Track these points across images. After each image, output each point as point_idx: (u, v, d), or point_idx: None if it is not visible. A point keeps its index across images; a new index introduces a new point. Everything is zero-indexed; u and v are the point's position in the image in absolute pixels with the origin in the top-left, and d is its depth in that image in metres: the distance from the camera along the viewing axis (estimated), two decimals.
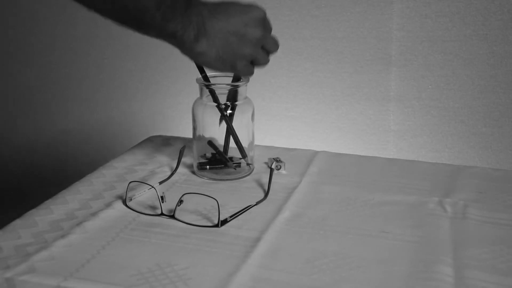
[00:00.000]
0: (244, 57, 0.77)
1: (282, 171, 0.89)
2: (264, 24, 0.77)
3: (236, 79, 0.84)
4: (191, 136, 0.90)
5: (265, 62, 0.80)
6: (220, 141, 0.87)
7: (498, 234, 0.70)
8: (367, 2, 1.31)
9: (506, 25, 1.24)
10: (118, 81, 1.57)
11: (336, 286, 0.59)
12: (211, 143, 0.86)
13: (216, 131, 0.86)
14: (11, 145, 1.77)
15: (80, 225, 0.70)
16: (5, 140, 1.76)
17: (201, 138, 0.86)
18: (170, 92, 1.53)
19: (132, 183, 0.78)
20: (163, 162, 0.92)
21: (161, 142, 1.01)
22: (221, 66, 0.76)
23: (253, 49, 0.77)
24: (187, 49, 0.74)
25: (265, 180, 0.85)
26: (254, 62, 0.79)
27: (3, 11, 1.65)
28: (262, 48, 0.78)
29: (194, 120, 0.86)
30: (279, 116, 1.44)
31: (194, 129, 0.86)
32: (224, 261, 0.63)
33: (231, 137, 0.87)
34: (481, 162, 1.33)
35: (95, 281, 0.59)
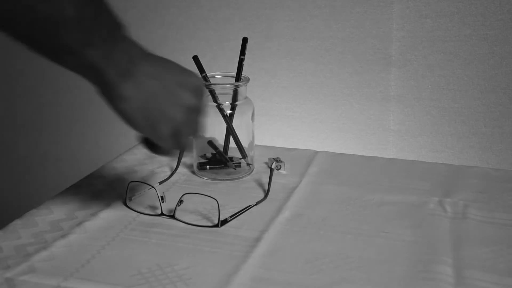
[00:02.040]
0: (170, 121, 0.63)
1: (282, 171, 0.89)
2: (200, 95, 0.65)
3: (148, 147, 0.70)
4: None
5: (186, 143, 0.67)
6: (220, 141, 0.87)
7: (498, 234, 0.70)
8: (367, 2, 1.31)
9: (506, 25, 1.24)
10: None
11: (336, 286, 0.59)
12: (211, 143, 0.86)
13: (216, 131, 0.86)
14: (11, 145, 1.76)
15: (80, 225, 0.70)
16: (5, 140, 1.76)
17: (201, 138, 0.86)
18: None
19: (132, 183, 0.78)
20: (163, 162, 0.92)
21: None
22: (141, 122, 0.62)
23: (181, 116, 0.63)
24: (108, 88, 0.61)
25: (265, 180, 0.85)
26: (178, 137, 0.65)
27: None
28: (189, 124, 0.65)
29: None
30: (279, 116, 1.44)
31: None
32: (224, 261, 0.63)
33: (231, 137, 0.87)
34: (481, 162, 1.33)
35: (95, 281, 0.59)
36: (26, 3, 0.54)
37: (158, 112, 0.62)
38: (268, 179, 0.83)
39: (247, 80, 0.85)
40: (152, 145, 0.68)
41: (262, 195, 0.80)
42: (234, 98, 0.85)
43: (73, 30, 0.57)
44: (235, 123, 0.86)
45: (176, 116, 0.63)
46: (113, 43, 0.60)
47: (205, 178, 0.86)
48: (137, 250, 0.66)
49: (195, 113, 0.65)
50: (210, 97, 0.85)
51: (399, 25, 1.30)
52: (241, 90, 0.85)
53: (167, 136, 0.64)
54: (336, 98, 1.40)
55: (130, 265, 0.62)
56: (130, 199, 0.77)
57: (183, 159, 0.90)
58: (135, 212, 0.75)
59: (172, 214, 0.73)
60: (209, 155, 0.88)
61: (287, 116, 1.44)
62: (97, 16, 0.59)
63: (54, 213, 0.74)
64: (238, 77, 0.86)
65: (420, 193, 0.81)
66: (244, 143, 0.87)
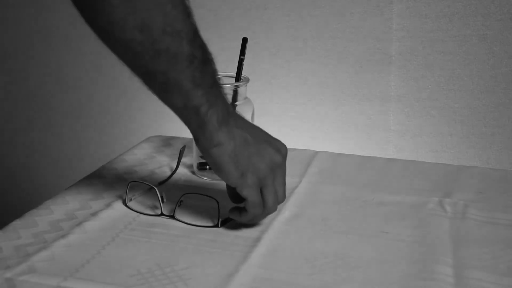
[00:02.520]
0: (257, 171, 0.66)
1: None
2: (284, 157, 0.69)
3: (235, 212, 0.70)
4: (191, 136, 0.89)
5: (272, 202, 0.67)
6: None
7: (498, 234, 0.70)
8: (367, 2, 1.31)
9: (506, 25, 1.24)
10: (118, 81, 1.57)
11: (336, 286, 0.59)
12: None
13: None
14: (11, 145, 1.77)
15: (80, 225, 0.70)
16: (5, 140, 1.76)
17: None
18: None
19: (132, 183, 0.78)
20: (163, 162, 0.92)
21: (161, 142, 1.01)
22: (231, 168, 0.65)
23: (267, 170, 0.66)
24: (204, 134, 0.64)
25: None
26: (263, 192, 0.67)
27: (3, 10, 1.65)
28: (272, 177, 0.67)
29: None
30: (279, 116, 1.44)
31: None
32: (224, 261, 0.63)
33: None
34: (481, 162, 1.33)
35: (95, 281, 0.59)
36: (150, 36, 0.58)
37: (246, 161, 0.65)
38: None
39: (247, 80, 0.85)
40: (236, 210, 0.70)
41: None
42: (234, 98, 0.85)
43: (187, 67, 0.60)
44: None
45: (263, 167, 0.66)
46: (217, 90, 0.64)
47: (205, 178, 0.86)
48: (137, 250, 0.66)
49: (280, 170, 0.68)
50: None
51: (399, 25, 1.31)
52: (241, 90, 0.85)
53: (253, 186, 0.66)
54: (336, 98, 1.40)
55: (130, 265, 0.62)
56: (130, 199, 0.77)
57: (183, 159, 0.90)
58: (135, 212, 0.75)
59: (172, 214, 0.73)
60: None
61: (287, 116, 1.44)
62: (205, 60, 0.62)
63: (54, 213, 0.74)
64: (238, 77, 0.86)
65: (420, 193, 0.81)
66: None
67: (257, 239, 0.68)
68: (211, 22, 1.40)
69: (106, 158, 0.99)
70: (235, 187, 0.66)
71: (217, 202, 0.72)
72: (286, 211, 0.75)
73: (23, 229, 0.70)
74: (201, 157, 0.87)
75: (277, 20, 1.35)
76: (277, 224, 0.71)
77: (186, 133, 1.06)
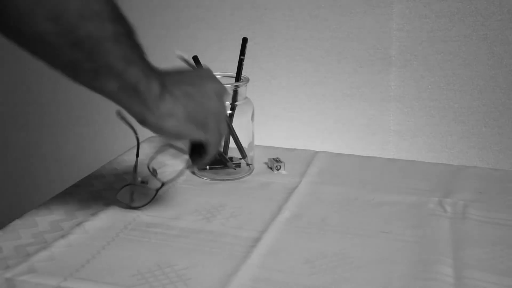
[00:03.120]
0: (214, 112, 0.64)
1: (282, 171, 0.88)
2: (216, 80, 0.68)
3: (197, 157, 0.69)
4: None
5: (225, 129, 0.68)
6: None
7: (498, 234, 0.70)
8: (367, 2, 1.31)
9: (506, 25, 1.24)
10: None
11: (336, 286, 0.59)
12: None
13: None
14: (10, 145, 1.76)
15: (80, 225, 0.70)
16: (4, 140, 1.76)
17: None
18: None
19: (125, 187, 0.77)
20: (163, 162, 0.92)
21: (161, 142, 1.01)
22: (192, 129, 0.63)
23: (219, 103, 0.65)
24: (148, 111, 0.59)
25: (266, 180, 0.85)
26: (220, 126, 0.66)
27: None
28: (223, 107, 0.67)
29: None
30: (279, 116, 1.44)
31: None
32: (224, 261, 0.63)
33: (231, 137, 0.87)
34: (481, 162, 1.33)
35: (95, 281, 0.59)
36: (67, 24, 0.52)
37: (201, 111, 0.63)
38: (270, 179, 0.83)
39: (247, 80, 0.85)
40: (197, 155, 0.69)
41: (262, 195, 0.80)
42: (234, 98, 0.85)
43: (115, 47, 0.55)
44: (235, 123, 0.86)
45: (215, 105, 0.65)
46: (147, 59, 0.59)
47: (205, 178, 0.86)
48: (137, 250, 0.66)
49: (222, 97, 0.67)
50: None
51: (399, 25, 1.31)
52: (241, 90, 0.85)
53: (215, 127, 0.65)
54: (336, 98, 1.40)
55: (130, 265, 0.62)
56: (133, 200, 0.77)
57: (184, 159, 0.90)
58: (133, 209, 0.75)
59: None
60: None
61: (287, 116, 1.44)
62: (129, 32, 0.58)
63: (54, 213, 0.74)
64: (238, 77, 0.86)
65: (420, 193, 0.81)
66: (244, 143, 0.87)
67: (257, 239, 0.68)
68: (211, 22, 1.40)
69: (106, 158, 0.99)
70: (199, 140, 0.65)
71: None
72: (286, 211, 0.75)
73: (23, 229, 0.70)
74: None
75: (277, 20, 1.35)
76: (277, 224, 0.72)
77: None
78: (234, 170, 0.87)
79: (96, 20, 0.53)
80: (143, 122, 0.60)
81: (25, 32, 0.52)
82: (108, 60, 0.55)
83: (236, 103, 0.85)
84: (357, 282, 0.60)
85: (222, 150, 0.85)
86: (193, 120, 0.62)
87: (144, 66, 0.58)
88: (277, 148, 0.99)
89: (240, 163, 0.87)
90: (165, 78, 0.61)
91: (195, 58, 0.85)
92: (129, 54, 0.57)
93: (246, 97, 0.87)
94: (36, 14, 0.50)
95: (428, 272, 0.61)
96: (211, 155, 0.68)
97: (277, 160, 0.89)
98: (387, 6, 1.30)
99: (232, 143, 0.87)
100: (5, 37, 0.53)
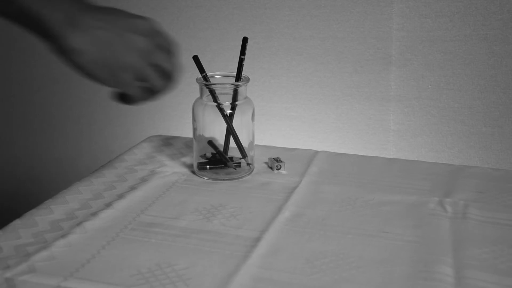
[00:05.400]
0: (128, 68, 0.62)
1: (282, 171, 0.89)
2: (155, 36, 0.64)
3: (122, 99, 0.69)
4: (191, 136, 0.90)
5: (158, 84, 0.65)
6: (220, 141, 0.87)
7: (498, 234, 0.70)
8: (367, 2, 1.31)
9: (506, 25, 1.24)
10: None
11: (336, 286, 0.59)
12: (211, 143, 0.86)
13: (216, 131, 0.87)
14: (11, 144, 1.77)
15: (80, 225, 0.70)
16: (5, 140, 1.77)
17: (201, 138, 0.86)
18: (170, 92, 1.53)
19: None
20: (163, 162, 0.92)
21: (161, 142, 1.01)
22: (103, 74, 0.60)
23: (139, 61, 0.62)
24: (57, 41, 0.57)
25: (266, 180, 0.85)
26: (145, 82, 0.65)
27: None
28: (155, 66, 0.64)
29: (194, 120, 0.86)
30: (279, 116, 1.44)
31: (194, 129, 0.86)
32: (224, 261, 0.63)
33: (231, 137, 0.87)
34: (481, 162, 1.33)
35: (95, 281, 0.59)
36: None
37: (115, 61, 0.60)
38: (270, 179, 0.83)
39: (247, 80, 0.85)
40: (123, 96, 0.67)
41: (262, 195, 0.80)
42: (234, 98, 0.85)
43: None
44: (235, 123, 0.86)
45: (132, 61, 0.61)
46: None
47: (205, 178, 0.86)
48: (137, 250, 0.66)
49: (153, 54, 0.63)
50: (210, 96, 0.85)
51: (399, 25, 1.31)
52: (241, 90, 0.85)
53: (133, 83, 0.63)
54: (336, 98, 1.40)
55: (130, 265, 0.62)
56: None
57: (184, 159, 0.90)
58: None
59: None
60: (209, 155, 0.88)
61: (287, 116, 1.44)
62: None
63: (54, 213, 0.74)
64: (238, 77, 0.86)
65: (420, 193, 0.81)
66: (244, 143, 0.87)
67: (257, 239, 0.68)
68: (211, 22, 1.40)
69: (106, 158, 0.99)
70: (114, 88, 0.63)
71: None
72: (286, 211, 0.75)
73: (23, 229, 0.70)
74: (201, 156, 0.88)
75: (277, 20, 1.35)
76: (277, 224, 0.72)
77: (186, 133, 1.06)
78: (234, 170, 0.87)
79: None
80: (54, 51, 0.58)
81: None
82: None
83: (236, 103, 0.85)
84: (357, 282, 0.60)
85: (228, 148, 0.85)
86: (107, 67, 0.60)
87: None
88: (277, 147, 0.99)
89: (240, 163, 0.87)
90: (82, 12, 0.58)
91: (195, 58, 0.85)
92: None
93: (246, 97, 0.87)
94: None
95: (428, 272, 0.61)
96: (136, 105, 0.66)
97: (277, 160, 0.89)
98: (387, 6, 1.30)
99: (232, 143, 0.87)
100: None
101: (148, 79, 0.64)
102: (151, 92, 0.66)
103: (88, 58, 0.58)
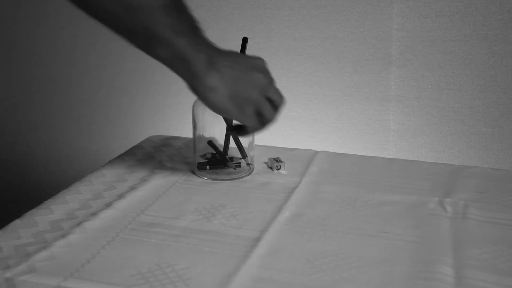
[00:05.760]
0: (252, 102, 0.71)
1: (282, 171, 0.89)
2: (268, 73, 0.74)
3: (236, 131, 0.79)
4: (191, 136, 0.90)
5: (271, 116, 0.74)
6: (220, 141, 0.87)
7: (498, 234, 0.70)
8: (367, 2, 1.31)
9: (506, 25, 1.24)
10: (118, 81, 1.57)
11: (336, 286, 0.59)
12: (211, 143, 0.86)
13: (216, 131, 0.87)
14: (11, 145, 1.77)
15: (80, 225, 0.70)
16: (5, 140, 1.77)
17: (201, 138, 0.86)
18: (170, 92, 1.53)
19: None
20: (163, 162, 0.92)
21: (161, 142, 1.01)
22: (231, 108, 0.70)
23: (259, 96, 0.72)
24: (197, 80, 0.67)
25: (266, 180, 0.85)
26: (261, 114, 0.74)
27: (4, 10, 1.65)
28: (268, 100, 0.74)
29: (194, 120, 0.86)
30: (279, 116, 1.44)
31: (194, 129, 0.86)
32: (224, 261, 0.63)
33: (231, 137, 0.87)
34: (481, 162, 1.33)
35: (95, 281, 0.59)
36: (125, 4, 0.61)
37: (242, 96, 0.70)
38: (270, 179, 0.83)
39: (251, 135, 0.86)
40: (239, 128, 0.78)
41: (262, 195, 0.80)
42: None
43: (163, 18, 0.63)
44: (235, 123, 0.86)
45: (255, 96, 0.71)
46: (198, 34, 0.67)
47: (205, 178, 0.86)
48: (137, 250, 0.66)
49: (269, 87, 0.73)
50: None
51: (399, 25, 1.31)
52: None
53: (253, 115, 0.73)
54: (336, 98, 1.40)
55: (130, 265, 0.62)
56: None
57: (183, 159, 0.90)
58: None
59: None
60: (209, 155, 0.88)
61: (287, 116, 1.44)
62: (178, 6, 0.65)
63: (54, 213, 0.74)
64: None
65: (420, 193, 0.81)
66: (244, 143, 0.87)
67: (257, 239, 0.68)
68: (211, 22, 1.40)
69: (106, 158, 0.99)
70: (236, 120, 0.74)
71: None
72: (286, 211, 0.75)
73: (23, 229, 0.70)
74: (201, 156, 0.88)
75: (277, 20, 1.35)
76: (277, 224, 0.72)
77: (186, 133, 1.06)
78: (234, 170, 0.87)
79: None
80: (192, 89, 0.69)
81: (91, 1, 0.62)
82: (158, 28, 0.63)
83: None
84: (357, 282, 0.60)
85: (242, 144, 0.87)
86: (234, 101, 0.70)
87: (193, 38, 0.66)
88: (277, 147, 0.99)
89: (240, 163, 0.87)
90: (216, 54, 0.68)
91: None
92: (176, 25, 0.64)
93: None
94: None
95: (428, 272, 0.61)
96: (247, 136, 0.79)
97: (277, 160, 0.89)
98: (387, 5, 1.30)
99: (232, 143, 0.87)
100: (74, 4, 0.62)
101: (263, 111, 0.73)
102: (262, 123, 0.75)
103: (221, 93, 0.69)
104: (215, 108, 0.71)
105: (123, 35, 0.65)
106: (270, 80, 0.74)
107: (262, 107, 0.73)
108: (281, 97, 0.75)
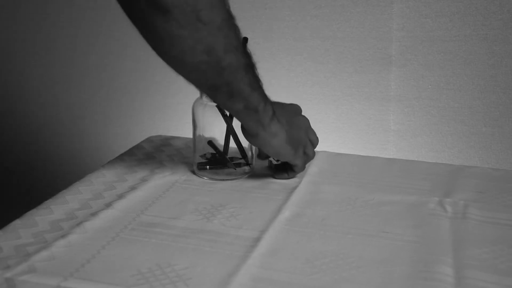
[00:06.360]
0: (302, 143, 0.82)
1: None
2: (305, 116, 0.85)
3: (280, 172, 0.86)
4: (191, 136, 0.90)
5: (312, 155, 0.85)
6: (220, 141, 0.87)
7: (498, 234, 0.70)
8: (367, 2, 1.31)
9: (506, 25, 1.24)
10: (118, 81, 1.57)
11: (336, 286, 0.59)
12: (211, 143, 0.86)
13: (216, 131, 0.87)
14: (11, 145, 1.77)
15: (80, 225, 0.70)
16: (5, 140, 1.76)
17: (201, 138, 0.86)
18: (170, 92, 1.53)
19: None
20: (163, 162, 0.92)
21: (161, 142, 1.01)
22: (289, 150, 0.79)
23: (305, 137, 0.83)
24: (263, 128, 0.76)
25: (266, 180, 0.85)
26: (306, 154, 0.84)
27: (4, 10, 1.65)
28: (309, 140, 0.84)
29: (194, 120, 0.86)
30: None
31: (194, 129, 0.86)
32: (224, 261, 0.63)
33: (231, 137, 0.87)
34: (481, 162, 1.33)
35: (95, 281, 0.59)
36: (215, 56, 0.67)
37: (295, 140, 0.80)
38: (270, 179, 0.83)
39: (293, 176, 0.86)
40: (281, 168, 0.86)
41: (262, 195, 0.80)
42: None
43: (245, 75, 0.71)
44: (235, 123, 0.86)
45: (304, 137, 0.83)
46: (263, 89, 0.75)
47: (205, 178, 0.86)
48: (137, 250, 0.66)
49: (309, 129, 0.85)
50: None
51: (399, 25, 1.31)
52: None
53: (302, 155, 0.83)
54: (336, 98, 1.40)
55: (130, 265, 0.62)
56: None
57: (183, 159, 0.90)
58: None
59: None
60: (209, 155, 0.88)
61: None
62: (253, 65, 0.73)
63: (54, 213, 0.74)
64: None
65: (420, 193, 0.81)
66: (244, 143, 0.87)
67: (257, 239, 0.68)
68: None
69: (106, 158, 0.99)
70: (289, 161, 0.82)
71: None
72: (286, 211, 0.75)
73: (23, 229, 0.70)
74: (201, 156, 0.88)
75: (277, 20, 1.35)
76: (277, 224, 0.72)
77: (186, 133, 1.06)
78: (234, 170, 0.87)
79: (234, 53, 0.68)
80: (255, 135, 0.77)
81: (187, 62, 0.67)
82: (240, 85, 0.71)
83: None
84: (357, 282, 0.60)
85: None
86: (291, 144, 0.79)
87: (262, 92, 0.75)
88: None
89: (240, 163, 0.87)
90: (275, 108, 0.77)
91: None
92: (253, 81, 0.73)
93: None
94: (196, 49, 0.65)
95: (428, 272, 0.61)
96: (294, 175, 0.85)
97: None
98: (387, 5, 1.30)
99: (232, 143, 0.87)
100: (168, 64, 0.68)
101: (307, 151, 0.84)
102: (305, 162, 0.85)
103: (281, 138, 0.78)
104: (276, 152, 0.80)
105: (207, 90, 0.73)
106: (309, 122, 0.84)
107: (307, 147, 0.83)
108: (317, 137, 0.85)
